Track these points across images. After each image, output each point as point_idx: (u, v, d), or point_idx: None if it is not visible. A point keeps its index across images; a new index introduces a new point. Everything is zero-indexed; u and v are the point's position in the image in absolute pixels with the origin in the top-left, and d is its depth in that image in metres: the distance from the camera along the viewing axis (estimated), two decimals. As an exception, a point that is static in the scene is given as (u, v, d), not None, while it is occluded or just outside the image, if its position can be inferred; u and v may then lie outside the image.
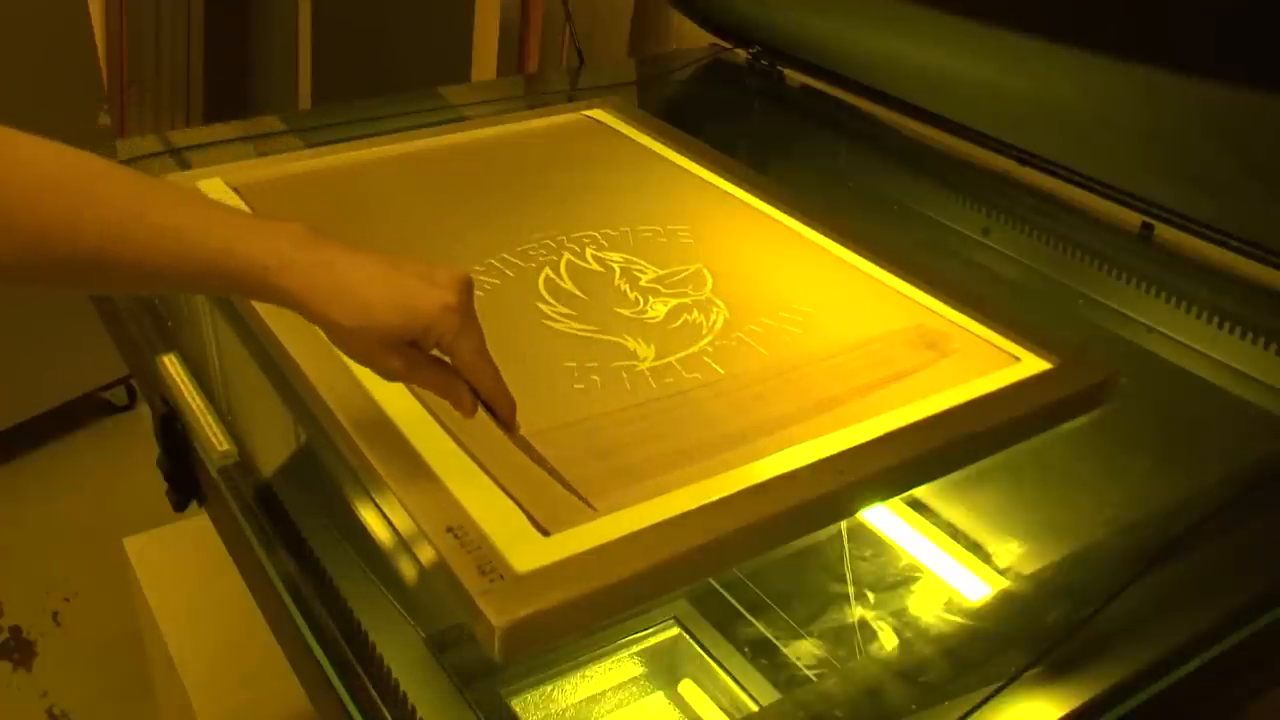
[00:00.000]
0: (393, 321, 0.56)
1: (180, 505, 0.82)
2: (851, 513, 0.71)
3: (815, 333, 0.81)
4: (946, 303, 0.85)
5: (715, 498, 0.63)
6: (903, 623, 0.70)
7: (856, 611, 0.73)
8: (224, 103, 2.48)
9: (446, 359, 0.59)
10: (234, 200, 0.93)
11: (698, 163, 1.08)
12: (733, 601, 0.79)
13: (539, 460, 0.63)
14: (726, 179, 1.05)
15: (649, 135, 1.14)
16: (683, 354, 0.78)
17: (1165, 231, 1.01)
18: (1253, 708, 0.74)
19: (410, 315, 0.56)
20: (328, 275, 0.56)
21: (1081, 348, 0.80)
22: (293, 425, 0.77)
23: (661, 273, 0.88)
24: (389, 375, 0.58)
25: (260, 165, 1.03)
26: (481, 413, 0.61)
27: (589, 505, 0.61)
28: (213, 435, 0.72)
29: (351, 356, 0.58)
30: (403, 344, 0.57)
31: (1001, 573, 0.72)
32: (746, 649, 0.76)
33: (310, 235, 0.56)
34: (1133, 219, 1.04)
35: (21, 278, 0.54)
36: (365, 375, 0.72)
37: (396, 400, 0.69)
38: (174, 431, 0.78)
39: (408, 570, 0.63)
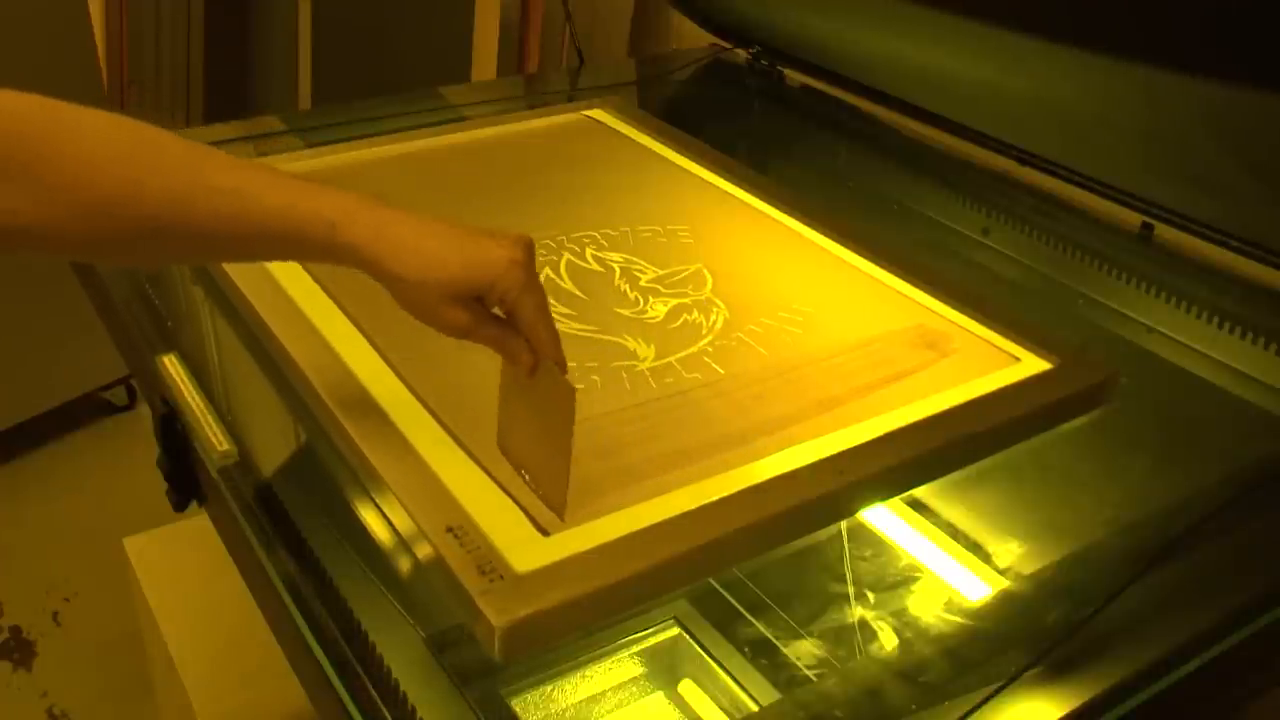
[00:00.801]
0: (459, 274, 0.56)
1: (180, 505, 0.82)
2: (851, 513, 0.71)
3: (815, 333, 0.81)
4: (946, 303, 0.85)
5: (715, 498, 0.63)
6: (903, 623, 0.70)
7: (856, 611, 0.73)
8: (224, 103, 2.48)
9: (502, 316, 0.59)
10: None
11: (698, 163, 1.08)
12: (733, 601, 0.79)
13: (523, 468, 0.62)
14: (726, 179, 1.05)
15: (649, 135, 1.14)
16: (683, 354, 0.78)
17: (1165, 231, 1.01)
18: (1253, 708, 0.74)
19: (477, 268, 0.57)
20: (393, 230, 0.56)
21: (1081, 348, 0.80)
22: (293, 425, 0.77)
23: (661, 273, 0.88)
24: (452, 330, 0.59)
25: (260, 165, 1.03)
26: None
27: (542, 527, 0.60)
28: (213, 435, 0.72)
29: (415, 312, 0.59)
30: (468, 298, 0.57)
31: (1001, 573, 0.71)
32: (746, 649, 0.76)
33: (370, 196, 0.57)
34: (1133, 219, 1.04)
35: (85, 250, 0.56)
36: (366, 375, 0.72)
37: (397, 400, 0.69)
38: (174, 431, 0.78)
39: (408, 570, 0.63)
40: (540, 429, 0.61)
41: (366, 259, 0.56)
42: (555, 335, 0.60)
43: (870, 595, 0.73)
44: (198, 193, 0.55)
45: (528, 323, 0.59)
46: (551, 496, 0.60)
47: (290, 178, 0.57)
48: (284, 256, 0.60)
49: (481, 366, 0.73)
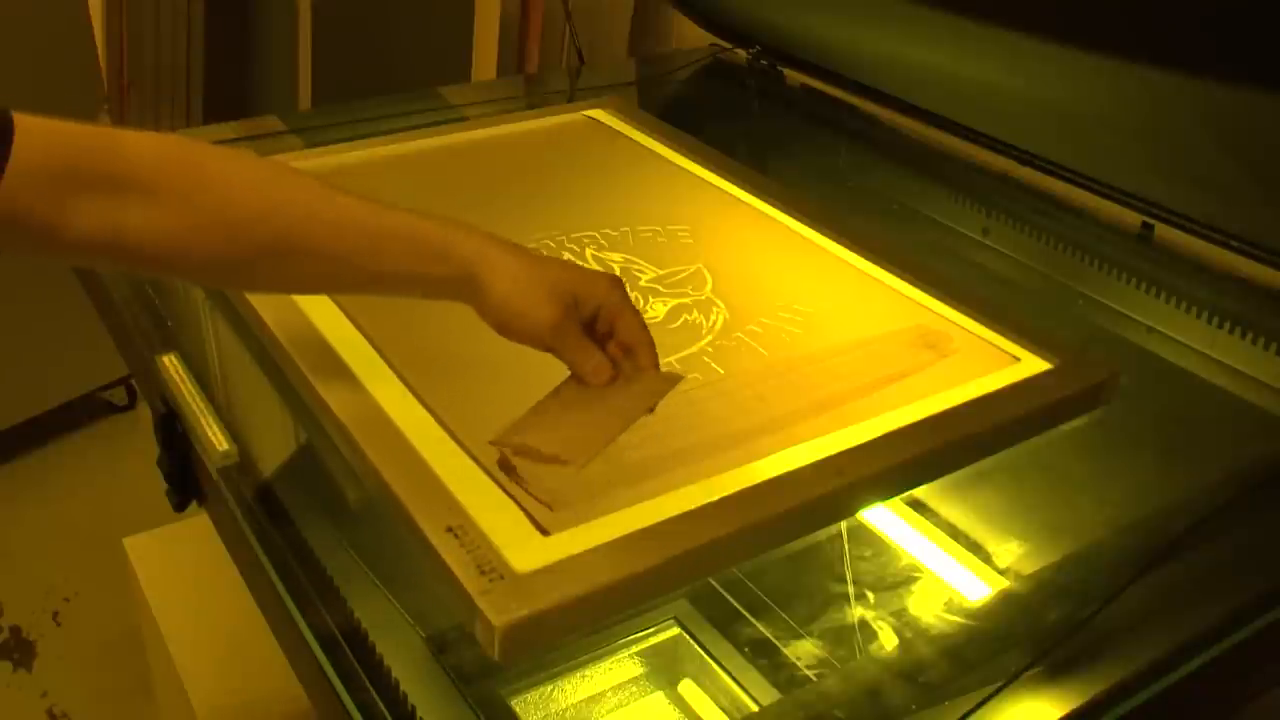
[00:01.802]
0: (564, 275, 0.63)
1: (180, 505, 0.82)
2: (851, 513, 0.71)
3: (815, 333, 0.81)
4: (946, 303, 0.85)
5: (716, 497, 0.63)
6: (903, 623, 0.70)
7: (856, 611, 0.73)
8: (224, 103, 2.48)
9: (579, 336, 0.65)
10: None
11: (698, 163, 1.08)
12: (733, 601, 0.79)
13: (511, 472, 0.62)
14: (726, 179, 1.05)
15: (649, 135, 1.13)
16: (682, 354, 0.78)
17: (1165, 231, 1.01)
18: (1252, 708, 0.74)
19: (582, 275, 0.64)
20: (507, 245, 0.63)
21: (1081, 348, 0.80)
22: (293, 425, 0.77)
23: (661, 273, 0.88)
24: (542, 324, 0.62)
25: (260, 165, 1.03)
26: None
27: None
28: (213, 435, 0.72)
29: (513, 309, 0.62)
30: (567, 301, 0.62)
31: (1001, 573, 0.72)
32: (746, 649, 0.76)
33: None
34: (1133, 219, 1.04)
35: (224, 270, 0.62)
36: (366, 375, 0.72)
37: (398, 401, 0.69)
38: (174, 431, 0.78)
39: (407, 570, 0.63)
40: (587, 415, 0.64)
41: (485, 269, 0.61)
42: (652, 342, 0.66)
43: (870, 595, 0.73)
44: (323, 211, 0.61)
45: (633, 326, 0.65)
46: (571, 455, 0.62)
47: (404, 207, 0.63)
48: (400, 280, 0.63)
49: (483, 367, 0.74)
